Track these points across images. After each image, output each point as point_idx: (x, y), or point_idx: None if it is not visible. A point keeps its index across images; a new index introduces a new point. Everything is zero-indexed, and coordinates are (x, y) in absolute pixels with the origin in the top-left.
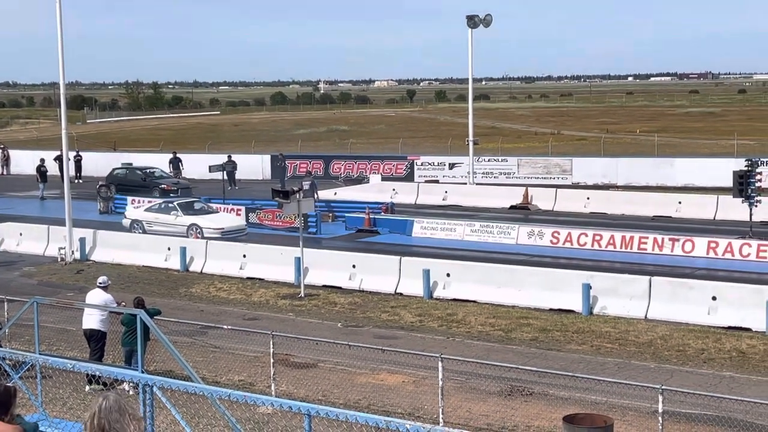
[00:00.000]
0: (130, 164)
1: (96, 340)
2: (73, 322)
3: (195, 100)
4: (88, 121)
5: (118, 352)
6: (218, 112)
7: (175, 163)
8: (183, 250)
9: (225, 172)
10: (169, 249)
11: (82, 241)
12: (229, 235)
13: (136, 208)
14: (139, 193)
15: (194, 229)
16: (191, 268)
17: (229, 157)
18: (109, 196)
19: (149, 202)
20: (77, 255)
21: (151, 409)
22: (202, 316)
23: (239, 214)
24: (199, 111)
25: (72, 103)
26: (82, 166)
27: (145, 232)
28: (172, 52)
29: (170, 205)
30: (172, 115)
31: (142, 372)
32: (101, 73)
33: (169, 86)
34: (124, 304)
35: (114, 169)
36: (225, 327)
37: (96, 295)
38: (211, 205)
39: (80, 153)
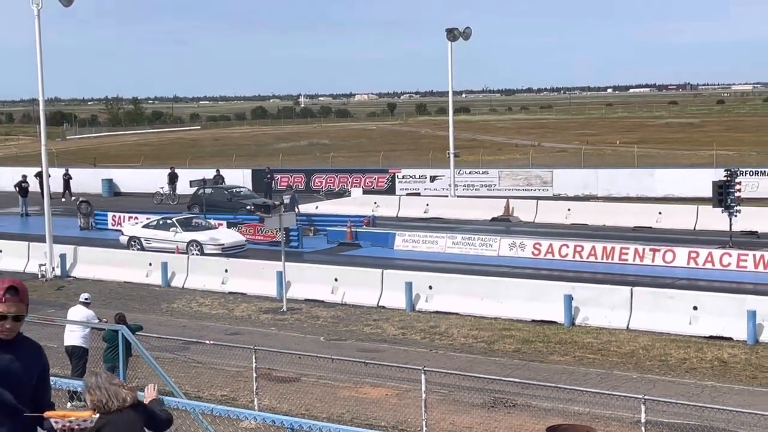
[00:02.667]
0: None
1: (78, 356)
2: (55, 339)
3: (175, 115)
4: (67, 137)
5: (100, 369)
6: (199, 127)
7: (172, 177)
8: (164, 266)
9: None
10: (150, 264)
11: (63, 257)
12: (229, 252)
13: (133, 225)
14: (224, 213)
15: (194, 246)
16: (173, 284)
17: (218, 171)
18: (90, 211)
19: (147, 218)
20: (58, 271)
21: None
22: (184, 332)
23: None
24: (179, 126)
25: (51, 120)
26: (71, 184)
27: (143, 249)
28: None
29: (169, 221)
30: (152, 130)
31: None
32: (81, 88)
33: (149, 101)
34: (105, 320)
35: (198, 190)
36: (207, 342)
37: (77, 312)
38: (210, 221)
39: (69, 171)
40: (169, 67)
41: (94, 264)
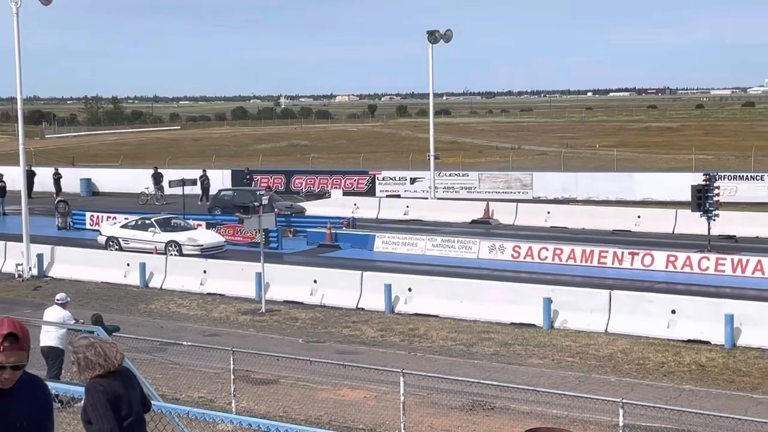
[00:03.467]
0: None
1: (54, 357)
2: (31, 340)
3: (155, 115)
4: (46, 136)
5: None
6: (179, 127)
7: (157, 178)
8: (143, 266)
9: (201, 187)
10: (128, 265)
11: (40, 257)
12: (208, 252)
13: (111, 225)
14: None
15: (173, 246)
16: (151, 284)
17: (204, 171)
18: (68, 211)
19: (125, 218)
20: (35, 271)
21: None
22: (161, 333)
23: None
24: (159, 126)
25: (30, 118)
26: (61, 183)
27: (121, 249)
28: (132, 66)
29: (147, 221)
30: (131, 130)
31: None
32: (60, 87)
33: (129, 101)
34: (82, 321)
35: (220, 191)
36: (185, 343)
37: (54, 312)
38: (189, 221)
39: (59, 171)
40: (149, 67)
41: (71, 264)
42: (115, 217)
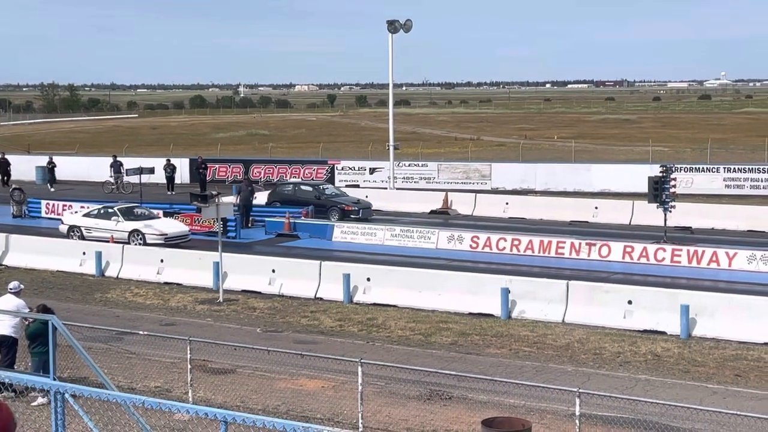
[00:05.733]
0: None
1: (7, 346)
2: None
3: (112, 103)
4: (1, 123)
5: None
6: (136, 115)
7: (116, 167)
8: (99, 255)
9: (165, 176)
10: (84, 254)
11: None
12: (172, 242)
13: (73, 214)
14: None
15: (136, 236)
16: (107, 273)
17: (168, 161)
18: (23, 199)
19: (81, 206)
20: None
21: (62, 418)
22: (117, 322)
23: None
24: (116, 114)
25: None
26: (55, 172)
27: (83, 238)
28: (88, 54)
29: (110, 210)
30: (88, 117)
31: (54, 379)
32: (15, 74)
33: (86, 88)
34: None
35: (278, 185)
36: (141, 333)
37: (7, 301)
38: (152, 210)
39: (53, 159)
40: (107, 54)
41: (26, 252)
42: (70, 206)
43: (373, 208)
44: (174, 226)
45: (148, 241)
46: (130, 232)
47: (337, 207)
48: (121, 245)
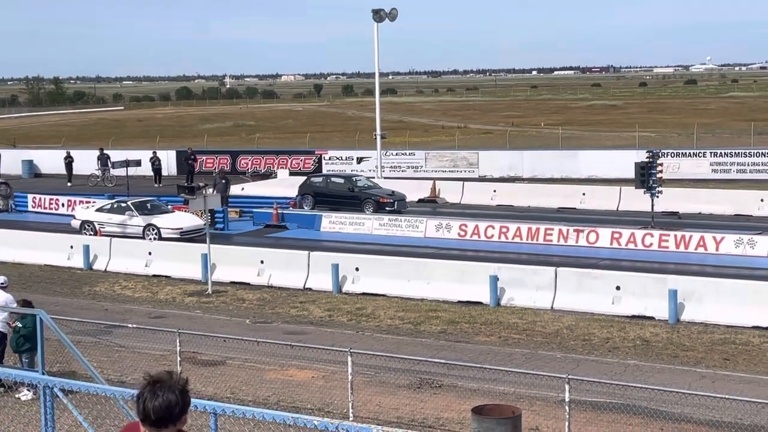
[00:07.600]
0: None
1: None
2: None
3: (98, 96)
4: None
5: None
6: (122, 108)
7: (104, 159)
8: (86, 248)
9: (152, 168)
10: (71, 247)
11: None
12: (187, 235)
13: (86, 209)
14: (344, 206)
15: (151, 230)
16: (95, 267)
17: (154, 152)
18: (9, 193)
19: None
20: None
21: (51, 412)
22: (106, 315)
23: None
24: (102, 106)
25: None
26: (72, 167)
27: (96, 233)
28: (73, 46)
29: (123, 204)
30: (74, 110)
31: (43, 374)
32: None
33: (71, 81)
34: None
35: (309, 177)
36: (130, 326)
37: None
38: (166, 204)
39: (71, 154)
40: (91, 47)
41: (13, 247)
42: (57, 200)
43: (405, 199)
44: (189, 220)
45: (164, 236)
46: (144, 227)
47: (371, 199)
48: (109, 238)
